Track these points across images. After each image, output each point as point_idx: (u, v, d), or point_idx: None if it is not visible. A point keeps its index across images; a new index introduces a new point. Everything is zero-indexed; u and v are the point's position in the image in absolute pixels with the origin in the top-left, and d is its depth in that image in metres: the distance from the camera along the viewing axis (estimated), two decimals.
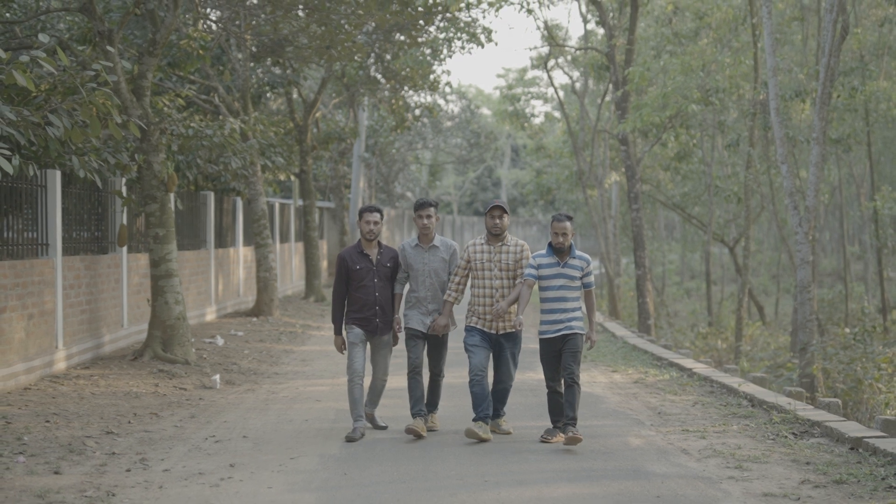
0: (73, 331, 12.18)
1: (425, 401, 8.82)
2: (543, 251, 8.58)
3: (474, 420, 8.40)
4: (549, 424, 8.78)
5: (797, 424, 9.08)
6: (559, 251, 8.45)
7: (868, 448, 7.97)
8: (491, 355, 8.63)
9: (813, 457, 7.86)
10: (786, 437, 8.64)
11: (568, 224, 8.43)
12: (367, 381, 8.92)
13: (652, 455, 7.97)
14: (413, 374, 8.73)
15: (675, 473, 7.36)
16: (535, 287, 8.55)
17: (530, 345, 11.05)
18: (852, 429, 8.56)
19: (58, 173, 11.73)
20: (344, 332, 8.73)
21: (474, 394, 8.41)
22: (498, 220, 8.49)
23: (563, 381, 8.44)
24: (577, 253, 8.54)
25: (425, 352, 8.88)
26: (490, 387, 8.64)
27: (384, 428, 8.86)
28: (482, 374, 8.39)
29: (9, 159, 8.43)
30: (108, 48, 11.50)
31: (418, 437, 8.47)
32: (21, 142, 9.74)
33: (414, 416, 8.69)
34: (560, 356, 8.45)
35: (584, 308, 8.66)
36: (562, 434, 8.44)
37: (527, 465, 7.62)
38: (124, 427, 8.88)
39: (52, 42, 9.06)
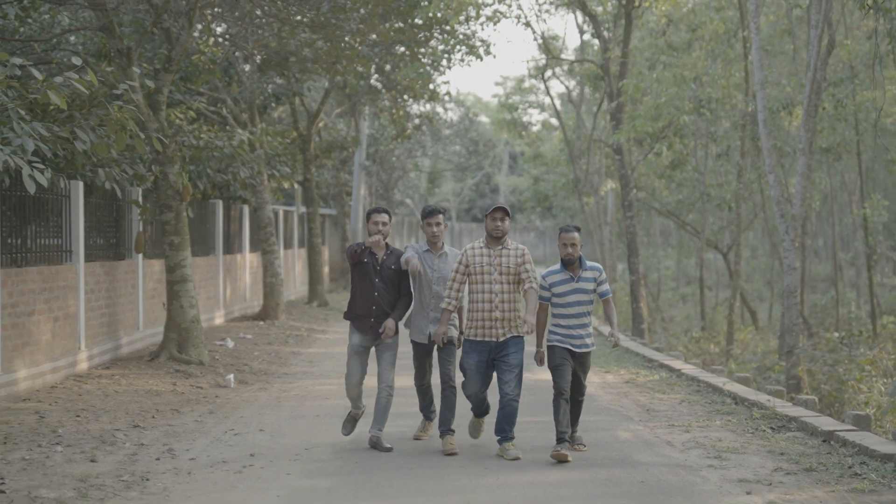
0: (94, 333, 12.85)
1: (437, 411, 8.74)
2: (556, 267, 8.38)
3: (472, 411, 8.54)
4: (546, 420, 9.29)
5: (776, 420, 9.74)
6: (570, 263, 8.25)
7: (839, 440, 8.63)
8: (493, 365, 8.24)
9: (788, 448, 8.52)
10: (764, 430, 9.30)
11: (576, 234, 8.23)
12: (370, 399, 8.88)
13: (639, 446, 8.63)
14: (420, 387, 8.70)
15: (659, 462, 8.02)
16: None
17: (530, 347, 11.67)
18: (826, 423, 9.23)
19: (80, 184, 12.41)
20: (348, 335, 8.61)
21: (473, 404, 8.46)
22: (500, 223, 8.14)
23: (571, 397, 8.34)
24: (588, 264, 8.34)
25: (433, 362, 8.68)
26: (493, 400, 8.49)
27: (389, 449, 8.37)
28: (479, 395, 8.27)
29: (42, 172, 9.06)
30: (135, 69, 12.17)
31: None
32: (47, 155, 10.39)
33: (442, 434, 8.41)
34: (572, 362, 8.30)
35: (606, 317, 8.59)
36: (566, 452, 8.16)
37: (525, 455, 8.24)
38: (149, 421, 9.55)
39: (80, 63, 9.69)
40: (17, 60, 8.67)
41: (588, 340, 8.33)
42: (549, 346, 8.31)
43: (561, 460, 7.95)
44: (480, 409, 8.45)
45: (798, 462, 7.97)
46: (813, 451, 8.36)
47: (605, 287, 8.37)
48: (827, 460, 7.96)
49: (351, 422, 8.73)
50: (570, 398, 8.28)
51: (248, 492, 7.01)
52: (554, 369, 8.25)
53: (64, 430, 8.85)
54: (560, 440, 8.08)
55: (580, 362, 8.35)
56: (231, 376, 12.28)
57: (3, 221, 10.66)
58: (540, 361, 8.35)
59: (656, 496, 6.97)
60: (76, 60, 9.32)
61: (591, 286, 8.29)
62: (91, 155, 11.31)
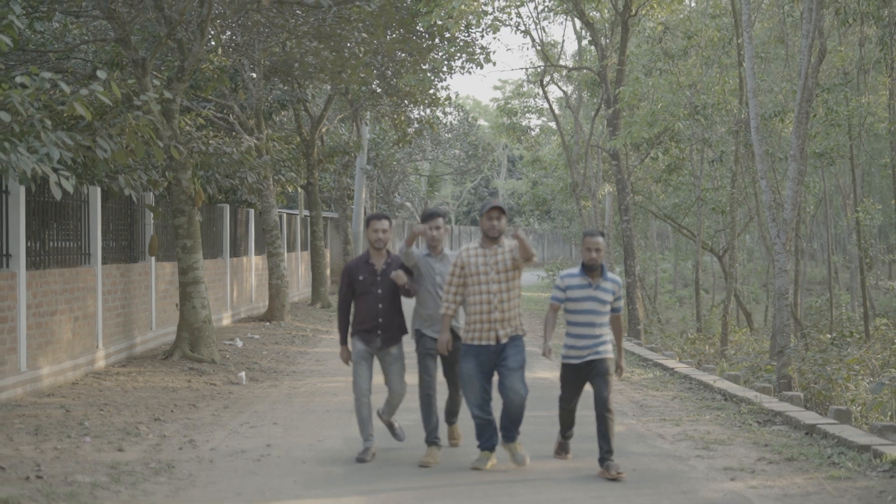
0: (111, 332, 13.40)
1: (440, 418, 8.36)
2: (574, 270, 8.02)
3: (479, 448, 7.94)
4: (543, 415, 9.74)
5: (762, 414, 10.30)
6: (591, 269, 7.89)
7: (820, 433, 9.17)
8: (495, 371, 7.87)
9: (772, 440, 9.06)
10: (751, 424, 9.85)
11: (601, 239, 7.87)
12: (377, 398, 8.76)
13: (632, 439, 9.17)
14: (426, 397, 8.24)
15: (650, 452, 8.57)
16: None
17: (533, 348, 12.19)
18: (809, 417, 9.78)
19: (98, 190, 12.96)
20: (350, 344, 8.35)
21: (476, 423, 7.89)
22: (496, 222, 7.81)
23: (595, 411, 7.89)
24: (609, 275, 7.97)
25: (439, 370, 8.34)
26: (498, 409, 7.94)
27: (401, 440, 8.56)
28: (482, 405, 7.82)
29: (67, 179, 9.56)
30: (154, 81, 12.71)
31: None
32: (68, 162, 10.91)
33: (429, 444, 8.18)
34: (583, 382, 8.00)
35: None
36: (566, 453, 8.30)
37: (524, 445, 8.74)
38: (168, 415, 10.09)
39: (105, 76, 10.19)
40: (47, 75, 9.18)
41: (600, 349, 7.88)
42: (562, 364, 8.06)
43: (559, 458, 8.23)
44: (487, 432, 7.88)
45: (781, 452, 8.51)
46: (795, 443, 8.89)
47: (619, 304, 8.04)
48: (808, 451, 8.50)
49: (365, 454, 8.22)
50: (596, 412, 7.86)
51: (268, 478, 7.56)
52: (561, 388, 8.16)
53: (90, 423, 9.39)
54: (564, 438, 8.25)
55: (593, 370, 7.88)
56: (243, 374, 12.82)
57: (28, 226, 11.18)
58: (547, 354, 7.90)
59: (647, 482, 7.52)
60: (101, 74, 9.82)
61: (608, 297, 7.91)
62: (110, 162, 11.84)
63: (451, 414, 8.53)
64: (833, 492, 7.22)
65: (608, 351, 7.94)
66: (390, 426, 8.58)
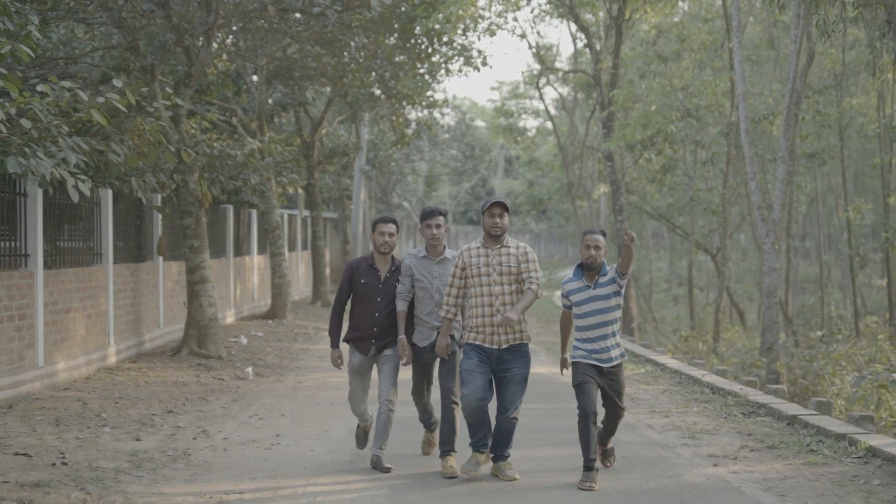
0: (121, 329, 13.88)
1: (438, 422, 8.14)
2: (571, 275, 7.71)
3: (471, 447, 7.61)
4: (538, 407, 10.28)
5: (747, 406, 10.79)
6: (589, 269, 7.52)
7: (801, 423, 9.67)
8: (493, 378, 7.54)
9: (755, 430, 9.56)
10: (736, 415, 10.35)
11: (601, 237, 7.50)
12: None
13: (622, 429, 9.60)
14: (419, 404, 8.19)
15: (639, 441, 9.07)
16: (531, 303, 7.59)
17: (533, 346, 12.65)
18: (791, 408, 10.28)
19: (110, 192, 13.44)
20: (347, 351, 8.19)
21: (470, 423, 7.48)
22: (498, 219, 7.47)
23: (607, 413, 7.78)
24: (607, 268, 7.58)
25: (434, 374, 8.09)
26: (493, 417, 7.61)
27: (388, 470, 7.83)
28: (478, 402, 7.37)
29: (83, 182, 10.03)
30: (167, 89, 13.20)
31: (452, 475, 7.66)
32: (81, 166, 11.37)
33: (430, 433, 8.14)
34: (598, 379, 7.56)
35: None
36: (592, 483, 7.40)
37: (518, 435, 9.19)
38: (181, 408, 10.57)
39: (120, 84, 10.65)
40: (66, 84, 9.65)
41: (615, 353, 7.61)
42: (573, 363, 7.63)
43: (589, 491, 7.29)
44: (480, 432, 7.51)
45: (763, 441, 9.01)
46: (777, 433, 9.39)
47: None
48: (788, 439, 8.99)
49: (362, 436, 8.34)
50: (606, 418, 7.78)
51: (279, 464, 8.04)
52: (577, 388, 7.51)
53: (107, 415, 9.87)
54: (588, 468, 7.39)
55: (610, 379, 7.62)
56: (249, 369, 13.32)
57: (44, 227, 11.64)
58: (564, 366, 7.91)
59: (635, 468, 8.01)
60: (117, 82, 10.29)
61: (610, 290, 7.53)
62: (122, 166, 12.31)
63: (447, 443, 7.80)
64: (809, 476, 7.71)
65: (621, 354, 7.67)
66: (377, 461, 7.90)
